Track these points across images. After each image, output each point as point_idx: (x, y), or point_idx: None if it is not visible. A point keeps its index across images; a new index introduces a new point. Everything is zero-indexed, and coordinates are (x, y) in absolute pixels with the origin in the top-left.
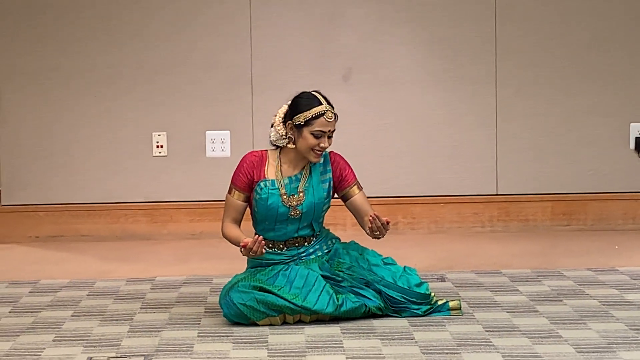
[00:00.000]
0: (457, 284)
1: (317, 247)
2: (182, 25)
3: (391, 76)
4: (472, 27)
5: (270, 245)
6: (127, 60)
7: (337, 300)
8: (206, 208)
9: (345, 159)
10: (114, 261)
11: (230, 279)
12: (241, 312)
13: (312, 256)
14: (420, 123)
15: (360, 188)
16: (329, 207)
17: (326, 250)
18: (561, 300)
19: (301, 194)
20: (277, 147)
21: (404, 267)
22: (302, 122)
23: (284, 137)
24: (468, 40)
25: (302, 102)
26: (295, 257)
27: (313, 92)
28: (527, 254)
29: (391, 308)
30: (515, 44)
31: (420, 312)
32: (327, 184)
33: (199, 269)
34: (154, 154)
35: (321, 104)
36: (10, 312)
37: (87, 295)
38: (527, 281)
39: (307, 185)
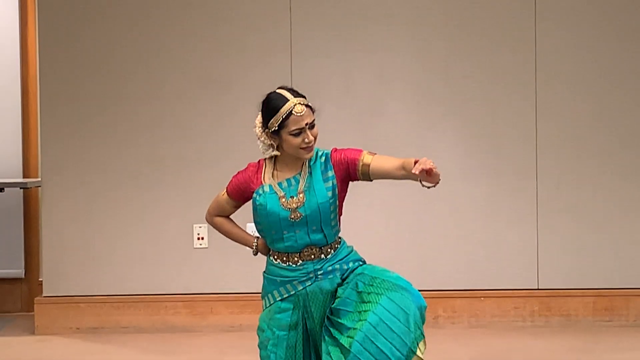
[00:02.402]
0: None
1: (335, 264)
2: (224, 119)
3: None
4: (513, 122)
5: (285, 259)
6: (168, 152)
7: None
8: (247, 300)
9: (345, 148)
10: (154, 354)
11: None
12: None
13: (330, 275)
14: (461, 215)
15: (372, 154)
16: (336, 207)
17: (348, 273)
18: None
19: (301, 195)
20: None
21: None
22: (276, 127)
23: (270, 146)
24: (508, 134)
25: (269, 106)
26: (312, 275)
27: (277, 90)
28: (569, 349)
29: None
30: (555, 138)
31: None
32: (330, 182)
33: None
34: (195, 246)
35: (288, 100)
36: None
37: None
38: None
39: (307, 185)
